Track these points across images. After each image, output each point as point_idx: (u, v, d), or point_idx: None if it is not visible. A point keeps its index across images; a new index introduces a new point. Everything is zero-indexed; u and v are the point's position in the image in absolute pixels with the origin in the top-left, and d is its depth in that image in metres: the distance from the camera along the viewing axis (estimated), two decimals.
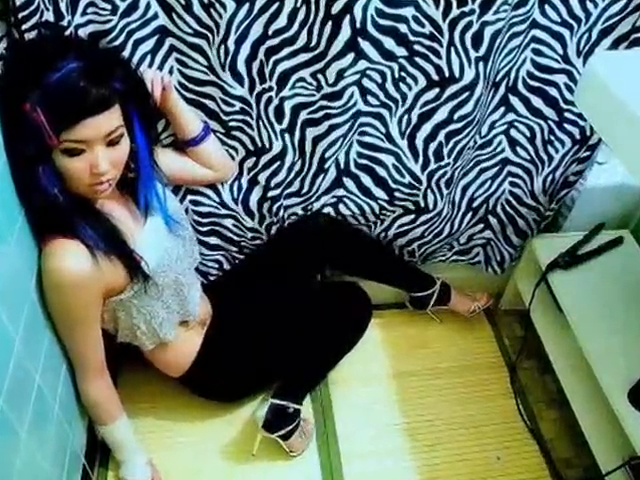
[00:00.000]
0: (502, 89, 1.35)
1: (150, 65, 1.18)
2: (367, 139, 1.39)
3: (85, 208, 1.07)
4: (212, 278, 1.56)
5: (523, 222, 1.59)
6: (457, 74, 1.25)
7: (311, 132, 1.34)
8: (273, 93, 1.26)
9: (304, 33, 1.17)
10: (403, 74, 1.28)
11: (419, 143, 1.38)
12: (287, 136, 1.34)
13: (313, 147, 1.36)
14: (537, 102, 1.37)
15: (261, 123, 1.30)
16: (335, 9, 1.13)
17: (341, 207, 1.50)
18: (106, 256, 1.07)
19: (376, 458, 1.46)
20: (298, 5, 1.14)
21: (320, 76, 1.24)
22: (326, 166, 1.40)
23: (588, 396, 1.41)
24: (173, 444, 1.46)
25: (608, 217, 1.61)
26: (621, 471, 1.27)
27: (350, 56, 1.21)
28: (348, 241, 1.53)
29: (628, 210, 1.61)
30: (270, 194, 1.42)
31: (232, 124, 1.30)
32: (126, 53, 1.15)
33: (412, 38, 1.22)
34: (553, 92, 1.35)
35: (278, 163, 1.37)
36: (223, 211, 1.43)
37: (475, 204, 1.57)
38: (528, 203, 1.55)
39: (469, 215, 1.59)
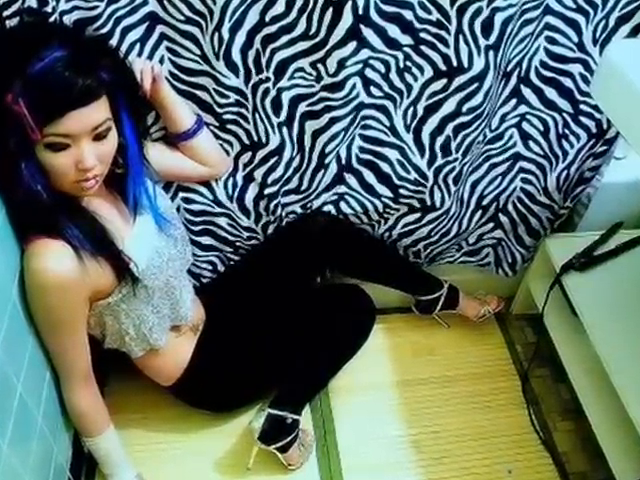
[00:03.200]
0: (514, 80, 1.35)
1: (139, 54, 1.18)
2: (370, 133, 1.39)
3: (70, 206, 1.07)
4: (205, 280, 1.56)
5: (536, 221, 1.59)
6: (466, 64, 1.25)
7: (310, 125, 1.34)
8: (270, 84, 1.25)
9: (303, 20, 1.17)
10: (408, 64, 1.28)
11: (425, 137, 1.38)
12: (285, 130, 1.34)
13: (313, 141, 1.36)
14: (551, 93, 1.37)
15: (257, 116, 1.30)
16: None
17: (342, 205, 1.50)
18: (93, 257, 1.08)
19: (379, 472, 1.46)
20: None
21: (320, 66, 1.24)
22: (326, 161, 1.40)
23: (605, 405, 1.41)
24: (164, 457, 1.46)
25: (626, 216, 1.61)
26: None
27: (352, 44, 1.20)
28: (350, 241, 1.53)
29: None
30: (267, 191, 1.41)
31: (227, 117, 1.30)
32: (114, 41, 1.15)
33: (418, 25, 1.21)
34: (568, 83, 1.35)
35: (275, 158, 1.37)
36: (217, 209, 1.43)
37: (485, 202, 1.57)
38: (541, 201, 1.55)
39: (478, 213, 1.59)
